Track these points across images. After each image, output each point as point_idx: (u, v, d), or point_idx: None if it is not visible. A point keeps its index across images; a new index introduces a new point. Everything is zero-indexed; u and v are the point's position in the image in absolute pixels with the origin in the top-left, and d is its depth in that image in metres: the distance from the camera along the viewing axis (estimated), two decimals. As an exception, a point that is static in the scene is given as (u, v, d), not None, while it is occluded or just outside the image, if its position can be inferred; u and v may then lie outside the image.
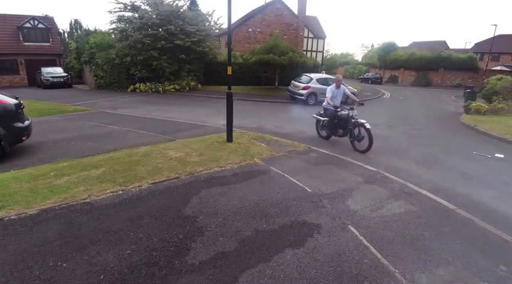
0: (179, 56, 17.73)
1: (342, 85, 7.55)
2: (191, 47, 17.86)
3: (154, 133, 7.78)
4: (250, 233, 3.31)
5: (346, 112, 6.98)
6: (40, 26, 24.68)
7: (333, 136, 7.75)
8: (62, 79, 21.07)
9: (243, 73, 21.02)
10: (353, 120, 6.82)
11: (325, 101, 7.53)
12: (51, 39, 25.25)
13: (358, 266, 2.85)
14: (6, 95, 6.01)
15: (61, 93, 17.56)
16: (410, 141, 8.26)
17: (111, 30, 19.64)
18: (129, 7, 18.85)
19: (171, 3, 18.82)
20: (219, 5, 77.86)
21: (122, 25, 18.61)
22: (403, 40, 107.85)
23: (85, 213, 3.56)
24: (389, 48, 40.66)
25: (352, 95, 7.66)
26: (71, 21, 37.51)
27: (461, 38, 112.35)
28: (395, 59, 38.80)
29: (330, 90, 7.51)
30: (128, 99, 15.26)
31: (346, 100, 8.45)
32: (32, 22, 24.35)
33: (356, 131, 6.93)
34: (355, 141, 6.98)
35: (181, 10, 18.60)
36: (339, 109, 7.19)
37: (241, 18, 28.68)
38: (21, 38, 24.02)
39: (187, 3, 21.81)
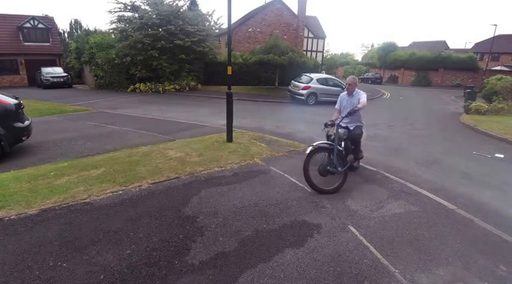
0: (179, 56, 17.75)
1: (358, 91, 4.83)
2: (191, 47, 17.88)
3: (154, 133, 7.78)
4: (250, 233, 3.31)
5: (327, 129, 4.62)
6: (40, 26, 24.70)
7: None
8: (62, 79, 21.10)
9: (243, 73, 21.02)
10: (329, 142, 4.62)
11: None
12: (51, 39, 25.28)
13: (358, 266, 2.85)
14: (6, 95, 6.01)
15: (61, 93, 17.56)
16: (410, 141, 8.25)
17: (111, 30, 19.64)
18: (129, 7, 18.87)
19: (171, 3, 18.84)
20: (219, 5, 77.91)
21: (122, 25, 18.61)
22: (403, 40, 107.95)
23: (85, 213, 3.56)
24: (389, 48, 40.67)
25: (359, 105, 4.59)
26: (71, 21, 37.52)
27: (461, 38, 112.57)
28: (395, 59, 38.81)
29: (339, 98, 5.13)
30: (128, 99, 15.25)
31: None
32: (32, 22, 24.37)
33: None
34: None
35: (181, 10, 18.61)
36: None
37: (241, 18, 28.69)
38: (21, 38, 24.04)
39: (187, 3, 21.86)
